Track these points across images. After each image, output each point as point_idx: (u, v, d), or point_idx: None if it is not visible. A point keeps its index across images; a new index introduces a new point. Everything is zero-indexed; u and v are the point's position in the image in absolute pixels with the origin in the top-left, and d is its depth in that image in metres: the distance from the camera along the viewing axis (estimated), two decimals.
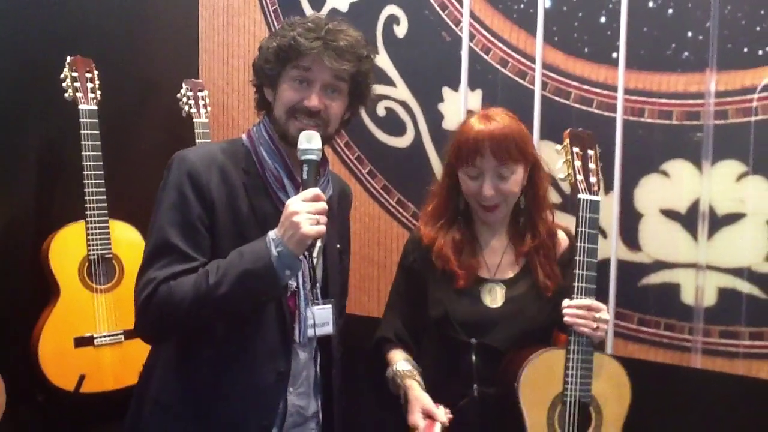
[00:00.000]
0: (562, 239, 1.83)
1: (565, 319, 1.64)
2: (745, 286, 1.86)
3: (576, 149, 1.74)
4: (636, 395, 1.69)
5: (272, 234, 1.45)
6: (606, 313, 1.67)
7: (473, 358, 1.74)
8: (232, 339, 1.54)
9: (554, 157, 1.79)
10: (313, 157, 1.48)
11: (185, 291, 1.44)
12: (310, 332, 1.59)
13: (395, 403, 1.78)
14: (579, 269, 1.66)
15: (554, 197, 2.04)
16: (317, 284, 1.60)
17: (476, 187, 1.73)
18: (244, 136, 1.64)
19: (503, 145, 1.69)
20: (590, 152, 1.75)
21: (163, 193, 1.53)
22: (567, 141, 1.75)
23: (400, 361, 1.79)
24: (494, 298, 1.77)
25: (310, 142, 1.49)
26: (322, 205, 1.44)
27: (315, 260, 1.56)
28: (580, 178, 1.71)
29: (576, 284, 1.66)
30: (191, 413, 1.55)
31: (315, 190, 1.45)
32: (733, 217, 1.87)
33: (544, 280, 1.76)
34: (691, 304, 1.93)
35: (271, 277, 1.43)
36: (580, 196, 1.69)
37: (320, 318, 1.60)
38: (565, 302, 1.66)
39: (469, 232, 1.81)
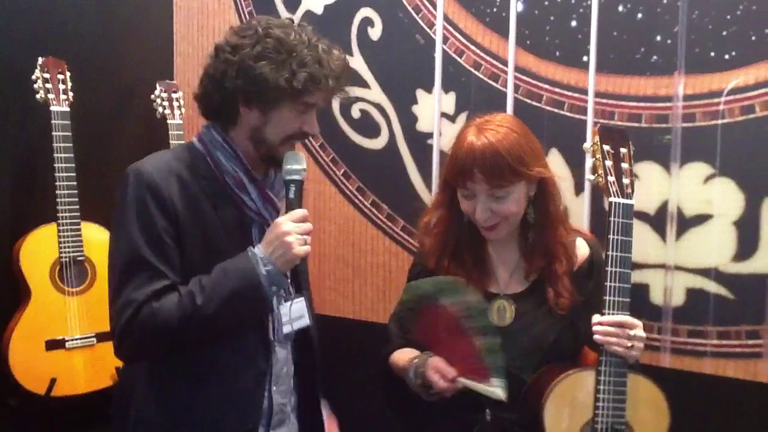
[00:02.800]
0: (581, 248, 1.69)
1: (596, 337, 1.50)
2: (712, 287, 1.89)
3: (607, 147, 1.58)
4: None
5: (258, 252, 1.46)
6: (641, 330, 1.53)
7: None
8: (210, 345, 1.52)
9: None
10: (300, 177, 1.51)
11: (170, 313, 1.42)
12: (287, 328, 1.58)
13: (376, 406, 1.79)
14: (611, 281, 1.51)
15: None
16: (288, 281, 1.58)
17: (471, 208, 1.61)
18: (195, 141, 1.59)
19: (494, 168, 1.53)
20: (623, 151, 1.59)
21: (123, 210, 1.47)
22: (597, 138, 1.59)
23: (411, 358, 1.64)
24: (503, 316, 1.64)
25: (298, 162, 1.52)
26: (309, 226, 1.49)
27: None
28: (611, 179, 1.56)
29: (607, 298, 1.51)
30: (176, 424, 1.53)
31: (303, 211, 1.49)
32: (701, 219, 1.90)
33: (556, 299, 1.61)
34: (660, 304, 1.96)
35: (260, 295, 1.45)
36: (611, 199, 1.55)
37: (295, 312, 1.59)
38: (596, 318, 1.52)
39: (477, 246, 1.68)
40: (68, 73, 2.38)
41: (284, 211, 1.54)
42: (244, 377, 1.55)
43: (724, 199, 1.87)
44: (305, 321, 1.62)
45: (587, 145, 1.62)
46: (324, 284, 2.51)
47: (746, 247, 1.85)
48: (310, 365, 1.70)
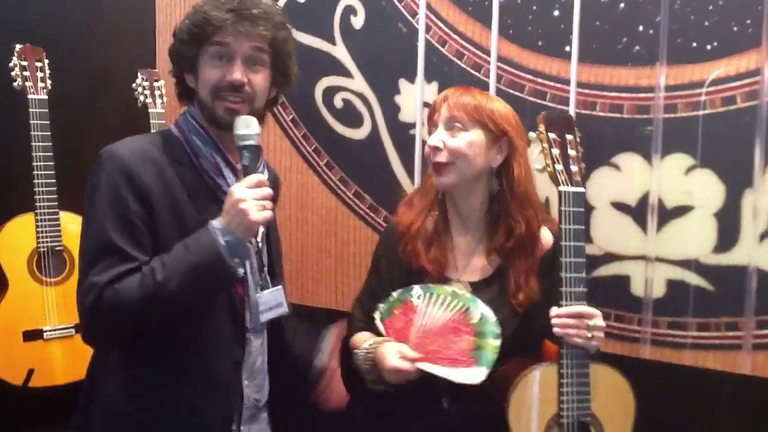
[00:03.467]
0: (545, 237, 1.69)
1: (555, 329, 1.49)
2: (692, 278, 1.89)
3: (553, 135, 1.57)
4: None
5: (216, 224, 1.42)
6: (600, 319, 1.52)
7: None
8: (184, 333, 1.50)
9: None
10: (253, 142, 1.46)
11: (132, 292, 1.39)
12: (264, 317, 1.55)
13: (358, 406, 1.77)
14: (566, 272, 1.50)
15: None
16: (264, 268, 1.56)
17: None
18: (172, 127, 1.59)
19: (460, 101, 1.60)
20: (569, 137, 1.58)
21: (95, 192, 1.45)
22: (542, 126, 1.58)
23: (366, 341, 1.64)
24: None
25: (248, 127, 1.47)
26: (267, 191, 1.43)
27: (260, 244, 1.54)
28: (559, 167, 1.54)
29: (564, 289, 1.50)
30: (152, 416, 1.51)
31: (259, 176, 1.44)
32: (682, 210, 1.89)
33: (515, 294, 1.60)
34: (641, 296, 1.95)
35: (221, 267, 1.41)
36: (560, 188, 1.54)
37: (273, 301, 1.57)
38: (554, 310, 1.51)
39: (441, 223, 1.69)
40: (46, 61, 2.36)
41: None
42: (220, 365, 1.53)
43: (705, 190, 1.86)
44: (283, 309, 1.59)
45: (533, 134, 1.60)
46: (306, 275, 2.50)
47: (726, 238, 1.85)
48: (282, 359, 1.69)
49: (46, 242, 2.31)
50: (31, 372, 2.26)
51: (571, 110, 2.00)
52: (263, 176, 1.45)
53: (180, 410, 1.51)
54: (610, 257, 1.98)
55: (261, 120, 1.63)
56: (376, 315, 1.65)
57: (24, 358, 2.27)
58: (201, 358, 1.52)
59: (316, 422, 2.44)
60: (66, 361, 2.33)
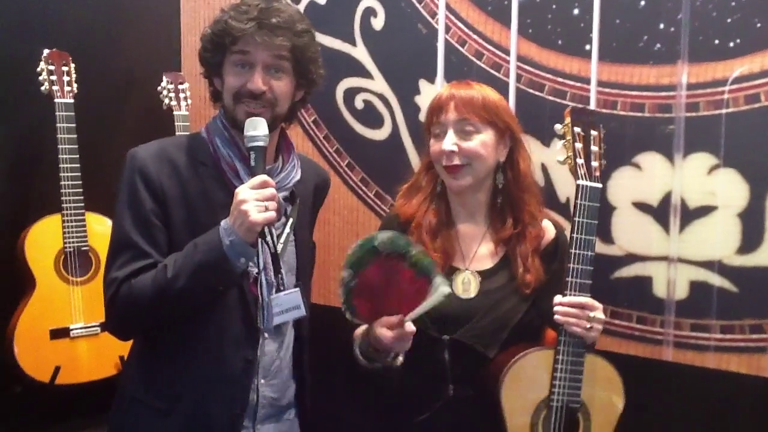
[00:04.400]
0: (548, 229, 1.73)
1: (556, 317, 1.53)
2: (716, 279, 1.86)
3: (578, 129, 1.59)
4: None
5: (224, 223, 1.46)
6: (601, 312, 1.56)
7: (446, 356, 1.63)
8: (197, 328, 1.54)
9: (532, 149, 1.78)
10: (260, 143, 1.49)
11: (145, 288, 1.46)
12: (278, 319, 1.57)
13: (371, 397, 1.77)
14: (573, 263, 1.54)
15: None
16: (281, 271, 1.57)
17: (438, 149, 1.66)
18: (203, 130, 1.64)
19: (467, 101, 1.64)
20: (593, 133, 1.60)
21: (119, 192, 1.55)
22: (568, 119, 1.60)
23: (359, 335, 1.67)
24: (467, 288, 1.66)
25: (255, 128, 1.49)
26: (271, 192, 1.44)
27: (281, 246, 1.57)
28: (580, 161, 1.57)
29: (569, 279, 1.54)
30: (162, 405, 1.56)
31: (263, 177, 1.46)
32: (705, 210, 1.86)
33: (523, 275, 1.65)
34: (663, 297, 1.93)
35: (225, 266, 1.44)
36: (579, 182, 1.56)
37: (287, 303, 1.58)
38: (557, 298, 1.55)
39: (445, 215, 1.72)
40: (73, 65, 2.40)
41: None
42: (230, 363, 1.56)
43: (729, 190, 1.83)
44: (300, 312, 1.60)
45: (558, 126, 1.62)
46: (328, 275, 2.50)
47: (751, 239, 1.81)
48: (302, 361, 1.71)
49: (73, 242, 2.36)
50: (57, 369, 2.30)
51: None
52: (267, 177, 1.46)
53: (188, 401, 1.55)
54: (632, 258, 1.96)
55: (289, 121, 1.68)
56: (348, 316, 1.61)
57: (51, 355, 2.31)
58: (210, 353, 1.55)
59: (344, 420, 2.45)
60: (92, 358, 2.37)
